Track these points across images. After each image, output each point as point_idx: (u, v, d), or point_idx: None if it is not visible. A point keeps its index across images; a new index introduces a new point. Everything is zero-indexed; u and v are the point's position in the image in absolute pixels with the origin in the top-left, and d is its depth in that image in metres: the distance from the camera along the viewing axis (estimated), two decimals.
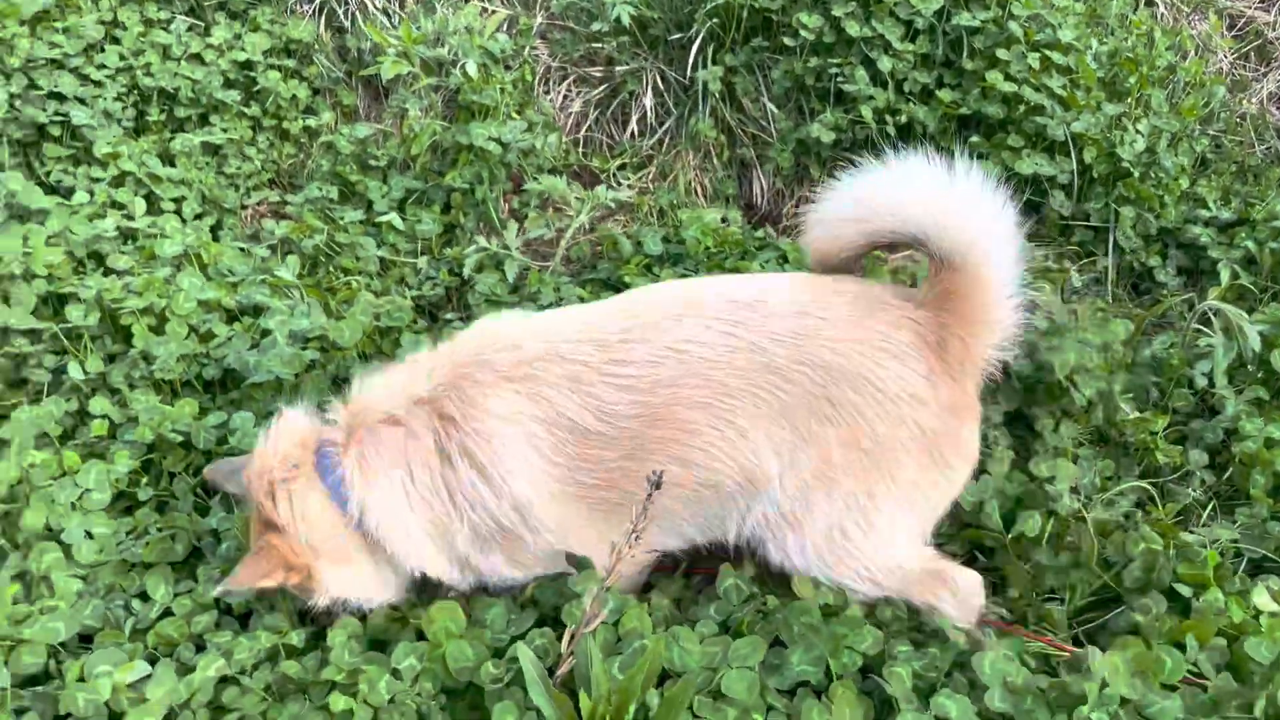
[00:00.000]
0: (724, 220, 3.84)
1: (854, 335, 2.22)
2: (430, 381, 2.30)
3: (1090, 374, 2.88)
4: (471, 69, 4.20)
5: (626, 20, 4.30)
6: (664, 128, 4.54)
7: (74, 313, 3.18)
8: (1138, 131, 4.01)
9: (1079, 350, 2.85)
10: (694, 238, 3.71)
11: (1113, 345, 3.04)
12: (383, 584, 2.41)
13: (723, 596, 2.28)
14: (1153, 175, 3.95)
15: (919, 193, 2.20)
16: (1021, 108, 3.88)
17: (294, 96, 4.54)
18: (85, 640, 2.58)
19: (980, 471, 2.73)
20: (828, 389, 2.20)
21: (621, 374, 2.21)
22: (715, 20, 4.28)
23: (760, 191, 4.43)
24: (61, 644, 2.51)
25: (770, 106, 4.30)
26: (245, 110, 4.47)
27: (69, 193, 3.92)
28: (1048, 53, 3.94)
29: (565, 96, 4.69)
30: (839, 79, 4.05)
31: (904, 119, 3.99)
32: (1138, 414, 3.04)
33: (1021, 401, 2.91)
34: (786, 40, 4.16)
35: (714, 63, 4.32)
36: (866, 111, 3.95)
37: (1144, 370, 3.23)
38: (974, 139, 3.94)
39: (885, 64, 3.97)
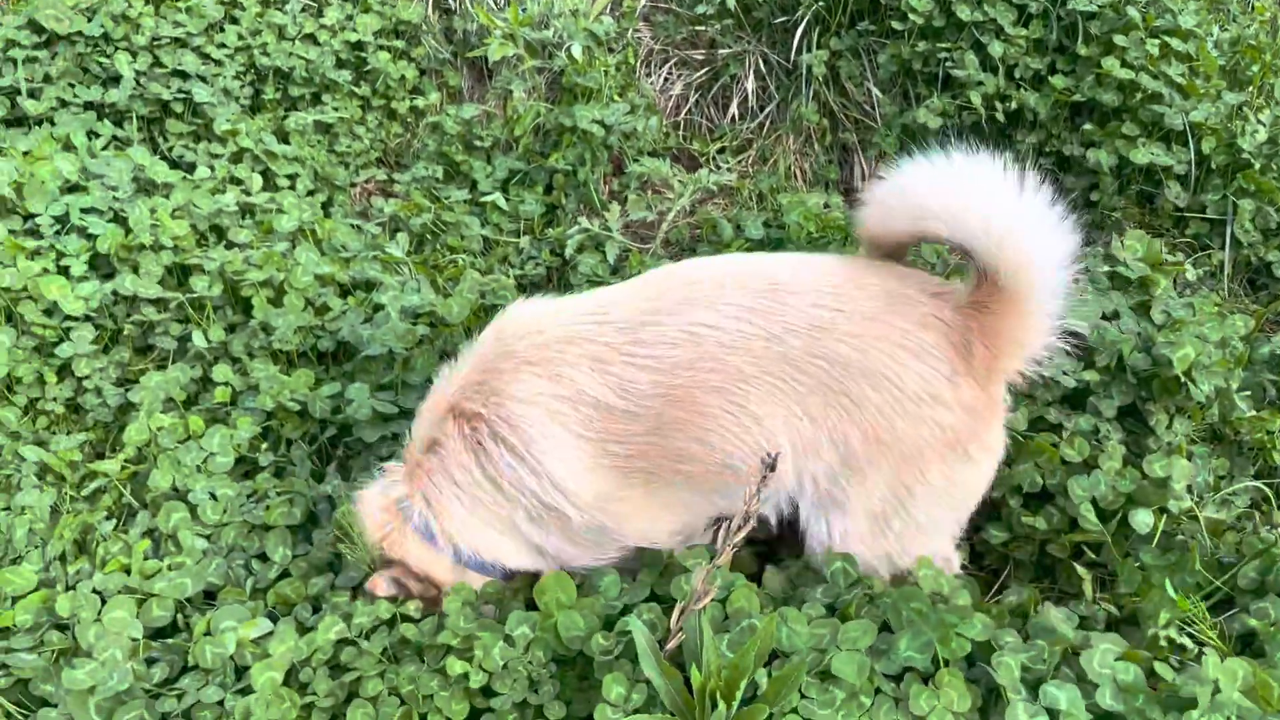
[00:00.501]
0: (826, 205, 3.82)
1: (873, 331, 2.18)
2: (454, 386, 2.37)
3: (1208, 370, 2.81)
4: (577, 51, 4.24)
5: (731, 3, 4.29)
6: (765, 111, 4.53)
7: (198, 283, 3.32)
8: (1259, 122, 3.88)
9: (1197, 345, 2.79)
10: (796, 222, 3.70)
11: (1231, 341, 2.97)
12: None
13: (830, 580, 2.29)
14: (1274, 167, 3.82)
15: (980, 204, 2.10)
16: (1138, 95, 3.78)
17: (402, 77, 4.64)
18: (209, 596, 2.70)
19: (1091, 466, 2.69)
20: (844, 383, 2.18)
21: (641, 354, 2.23)
22: (821, 4, 4.25)
23: (862, 175, 4.40)
24: (188, 599, 2.64)
25: (875, 91, 4.26)
26: (355, 90, 4.58)
27: (190, 168, 4.08)
28: (1167, 39, 3.83)
29: (666, 79, 4.70)
30: (948, 64, 3.99)
31: (1014, 105, 3.92)
32: (1254, 412, 2.96)
33: (1135, 396, 2.86)
34: (894, 24, 4.11)
35: (818, 46, 4.29)
36: (975, 97, 3.89)
37: (1261, 367, 3.14)
38: (1087, 126, 3.86)
39: (996, 49, 3.90)
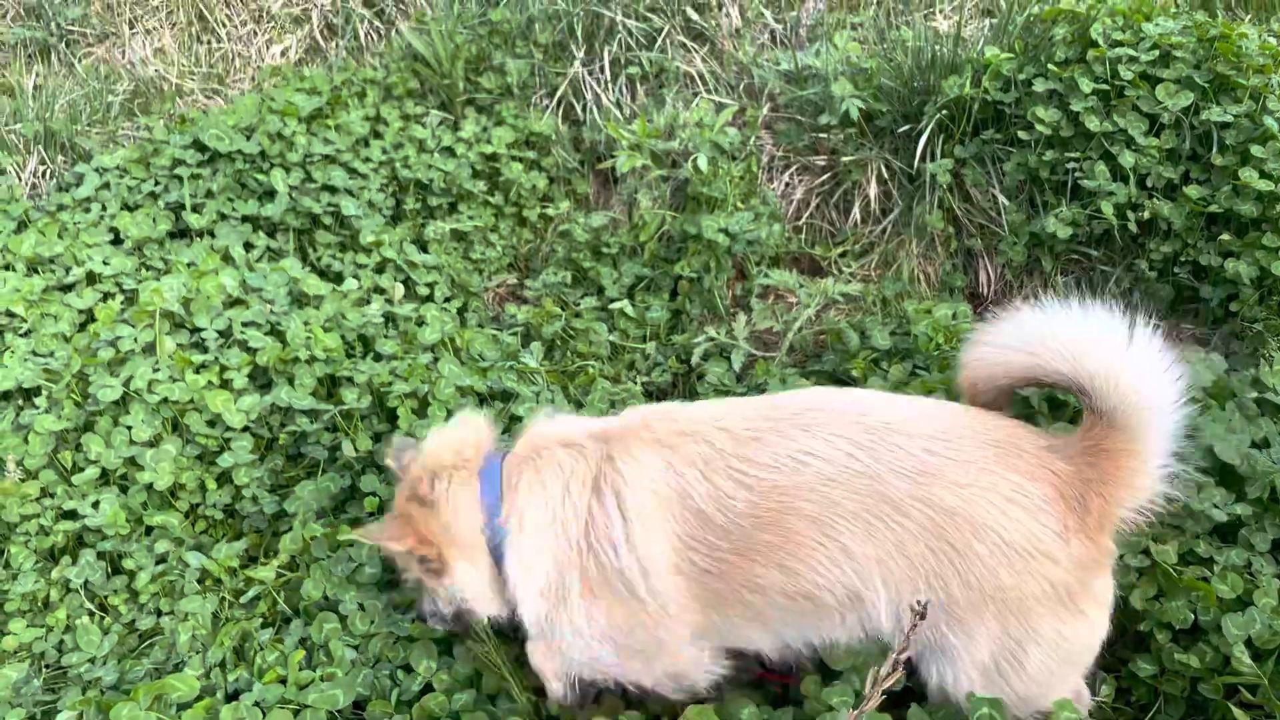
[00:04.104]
0: (954, 316, 3.82)
1: (983, 481, 2.20)
2: (607, 423, 2.51)
3: None
4: (703, 163, 4.37)
5: (855, 114, 4.38)
6: (888, 216, 4.57)
7: (348, 395, 3.49)
8: None
9: None
10: (924, 334, 3.71)
11: None
12: (493, 597, 2.56)
13: None
14: None
15: (1101, 344, 2.18)
16: (1278, 207, 3.71)
17: (533, 186, 4.84)
18: (358, 707, 2.81)
19: (1245, 602, 2.61)
20: (947, 530, 2.19)
21: (743, 470, 2.28)
22: (944, 113, 4.30)
23: (986, 282, 4.39)
24: (338, 710, 2.74)
25: (1001, 198, 4.26)
26: (489, 199, 4.80)
27: (338, 277, 4.32)
28: None
29: (787, 184, 4.79)
30: (1076, 173, 3.98)
31: (1147, 215, 3.88)
32: None
33: None
34: (1020, 133, 4.13)
35: (942, 154, 4.33)
36: (1107, 208, 3.86)
37: None
38: (1224, 236, 3.79)
39: (1127, 159, 3.88)
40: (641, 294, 4.42)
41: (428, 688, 2.82)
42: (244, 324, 3.64)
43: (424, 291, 4.39)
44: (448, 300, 4.45)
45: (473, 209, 4.77)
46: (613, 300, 4.35)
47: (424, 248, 4.58)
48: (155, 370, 3.40)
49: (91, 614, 3.16)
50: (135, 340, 3.49)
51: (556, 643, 2.51)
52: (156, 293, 3.52)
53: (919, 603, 1.99)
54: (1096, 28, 4.01)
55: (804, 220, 4.75)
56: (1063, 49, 4.09)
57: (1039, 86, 4.05)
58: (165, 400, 3.34)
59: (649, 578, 2.35)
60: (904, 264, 4.44)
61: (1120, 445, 2.21)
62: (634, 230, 4.62)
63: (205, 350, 3.56)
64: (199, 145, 4.51)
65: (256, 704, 2.65)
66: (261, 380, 3.56)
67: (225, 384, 3.49)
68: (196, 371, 3.45)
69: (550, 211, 4.83)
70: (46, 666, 3.06)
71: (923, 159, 4.38)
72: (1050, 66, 4.04)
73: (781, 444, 2.29)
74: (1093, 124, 3.92)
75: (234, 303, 3.79)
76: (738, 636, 2.45)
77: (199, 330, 3.63)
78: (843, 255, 4.60)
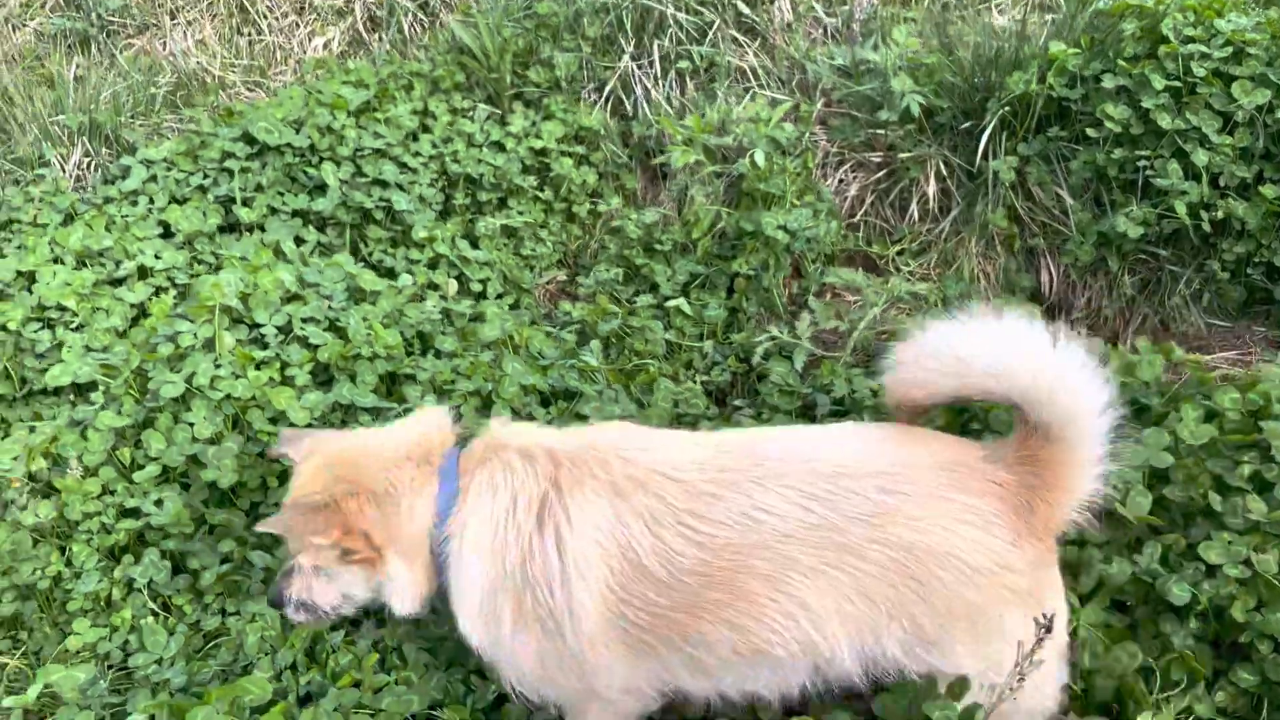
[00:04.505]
0: None
1: (936, 510, 2.21)
2: (564, 442, 2.42)
3: None
4: (760, 158, 4.30)
5: (916, 110, 4.30)
6: (946, 215, 4.50)
7: (411, 392, 3.43)
8: None
9: None
10: None
11: None
12: (418, 597, 2.49)
13: None
14: None
15: (1029, 359, 2.17)
16: None
17: (583, 181, 4.77)
18: (431, 709, 2.75)
19: None
20: (910, 567, 2.20)
21: (693, 527, 2.25)
22: (1007, 109, 4.22)
23: (1049, 281, 4.32)
24: (412, 714, 2.69)
25: (1066, 197, 4.19)
26: (540, 194, 4.73)
27: (389, 273, 4.26)
28: None
29: (841, 181, 4.72)
30: (1147, 171, 3.91)
31: (1220, 214, 3.81)
32: None
33: None
34: (1088, 130, 4.05)
35: (1005, 151, 4.26)
36: (1180, 207, 3.79)
37: None
38: None
39: (1200, 157, 3.80)
40: (696, 291, 4.35)
41: (502, 698, 2.76)
42: (303, 319, 3.58)
43: (477, 288, 4.32)
44: (499, 297, 4.39)
45: (522, 204, 4.70)
46: (668, 298, 4.29)
47: (474, 244, 4.51)
48: (217, 366, 3.34)
49: (156, 614, 3.10)
50: (195, 336, 3.43)
51: (495, 662, 2.49)
52: (216, 287, 3.46)
53: (1044, 615, 1.93)
54: (1167, 23, 3.93)
55: (859, 218, 4.67)
56: (1131, 44, 4.00)
57: (1107, 83, 3.97)
58: (228, 397, 3.28)
59: (579, 623, 2.32)
60: (964, 263, 4.37)
61: (1058, 455, 2.23)
62: (686, 227, 4.56)
63: (265, 346, 3.50)
64: (248, 138, 4.45)
65: (336, 708, 2.59)
66: (323, 378, 3.50)
67: (286, 380, 3.43)
68: (258, 368, 3.39)
69: (602, 207, 4.76)
70: (111, 667, 3.01)
71: (984, 156, 4.31)
72: (1120, 62, 3.96)
73: (735, 500, 2.26)
74: (1164, 121, 3.84)
75: (291, 298, 3.73)
76: (674, 682, 2.44)
77: (258, 326, 3.57)
78: (900, 254, 4.53)
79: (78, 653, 3.04)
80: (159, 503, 3.19)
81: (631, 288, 4.49)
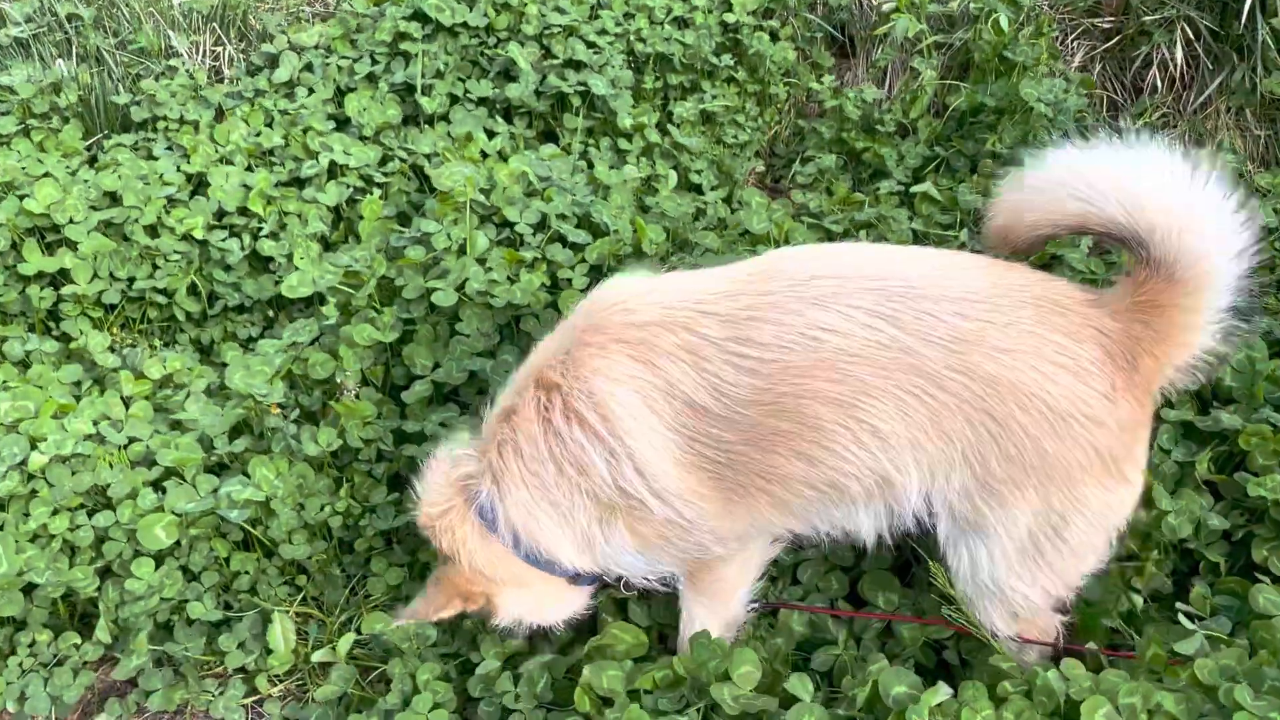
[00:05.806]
0: None
1: (1025, 345, 1.95)
2: (541, 356, 2.18)
3: None
4: (1004, 22, 3.87)
5: None
6: (1190, 86, 4.10)
7: None
8: None
9: None
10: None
11: None
12: (558, 598, 2.35)
13: None
14: None
15: (1164, 190, 1.90)
16: None
17: (782, 58, 4.30)
18: None
19: None
20: (988, 402, 1.95)
21: (745, 354, 1.99)
22: None
23: None
24: None
25: None
26: (735, 75, 4.26)
27: (590, 166, 3.80)
28: None
29: (1064, 49, 4.31)
30: None
31: None
32: None
33: None
34: None
35: (1269, 13, 3.85)
36: None
37: None
38: None
39: None
40: (932, 176, 3.94)
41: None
42: (558, 216, 3.15)
43: (695, 180, 3.89)
44: (713, 189, 3.96)
45: (716, 86, 4.24)
46: (903, 184, 3.88)
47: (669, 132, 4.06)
48: (488, 270, 2.91)
49: None
50: (449, 238, 2.99)
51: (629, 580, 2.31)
52: (470, 181, 3.00)
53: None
54: None
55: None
56: None
57: None
58: (509, 305, 2.86)
59: (654, 478, 2.09)
60: (1221, 139, 3.99)
61: (1177, 300, 1.97)
62: (902, 105, 4.13)
63: (524, 246, 3.07)
64: (421, 16, 3.93)
65: None
66: (593, 278, 3.09)
67: (555, 283, 3.01)
68: (529, 268, 2.96)
69: (814, 85, 4.30)
70: None
71: (1247, 18, 3.89)
72: None
73: (789, 320, 1.98)
74: None
75: (530, 193, 3.29)
76: (770, 525, 2.22)
77: (509, 224, 3.13)
78: (1141, 129, 4.13)
79: (375, 600, 2.67)
80: (443, 424, 2.78)
81: (846, 176, 4.08)
